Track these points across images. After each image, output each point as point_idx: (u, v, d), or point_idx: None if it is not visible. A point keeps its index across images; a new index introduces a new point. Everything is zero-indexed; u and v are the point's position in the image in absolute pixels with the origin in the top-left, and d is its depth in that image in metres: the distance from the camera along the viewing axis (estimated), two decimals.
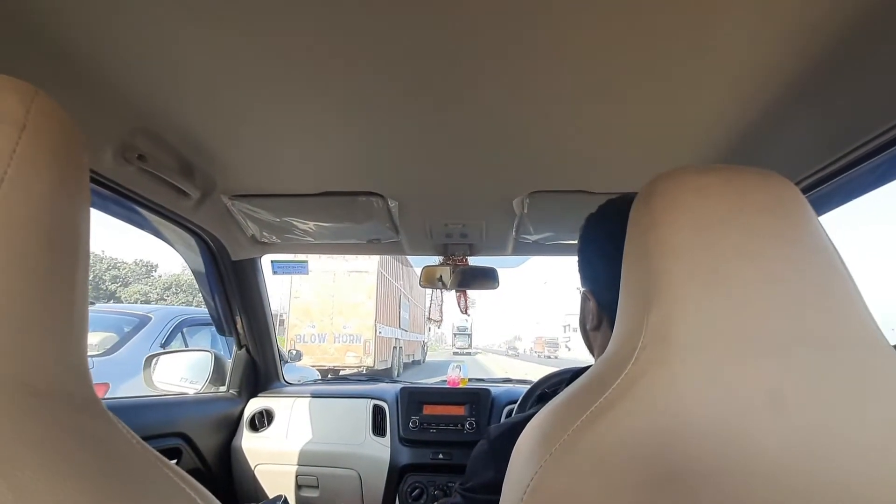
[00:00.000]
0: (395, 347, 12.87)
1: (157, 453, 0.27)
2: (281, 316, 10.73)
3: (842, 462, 0.29)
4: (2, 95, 0.25)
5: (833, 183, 0.84)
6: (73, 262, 0.27)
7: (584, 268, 0.62)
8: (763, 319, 0.32)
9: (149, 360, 1.44)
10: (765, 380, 0.30)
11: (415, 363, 17.37)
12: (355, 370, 9.85)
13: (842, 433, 0.29)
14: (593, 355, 0.62)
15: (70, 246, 0.26)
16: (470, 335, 32.26)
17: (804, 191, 0.86)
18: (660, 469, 0.29)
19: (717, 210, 0.35)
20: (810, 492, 0.28)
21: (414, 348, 17.37)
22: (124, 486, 0.23)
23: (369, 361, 10.18)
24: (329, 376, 6.98)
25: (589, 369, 0.40)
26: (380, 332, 11.11)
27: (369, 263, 11.01)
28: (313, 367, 7.74)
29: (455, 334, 33.42)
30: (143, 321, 3.72)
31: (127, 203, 0.99)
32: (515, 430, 0.44)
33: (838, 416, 0.30)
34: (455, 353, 28.46)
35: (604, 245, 0.58)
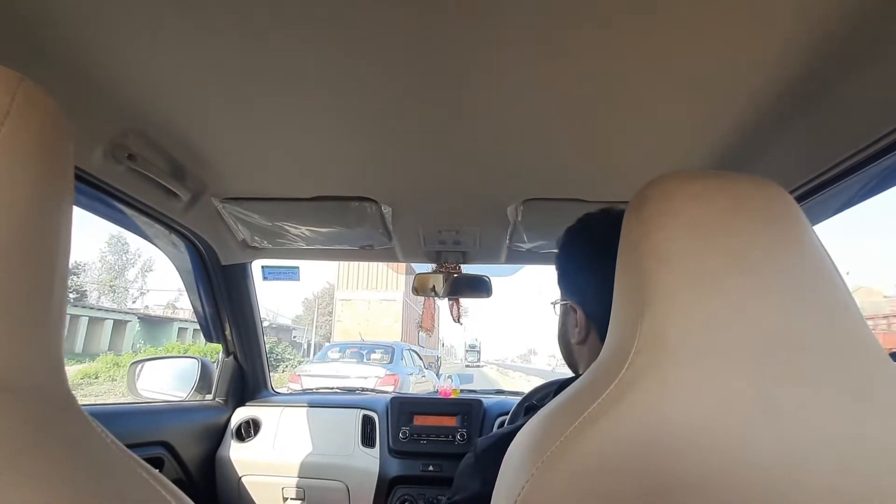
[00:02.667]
0: None
1: (136, 456, 0.26)
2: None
3: (836, 469, 0.28)
4: None
5: (826, 192, 0.83)
6: (53, 257, 0.26)
7: (567, 281, 0.62)
8: (757, 325, 0.31)
9: (133, 366, 1.40)
10: (759, 386, 0.30)
11: None
12: None
13: (836, 440, 0.29)
14: (577, 372, 0.60)
15: (50, 240, 0.25)
16: (479, 351, 36.20)
17: (798, 199, 0.84)
18: (653, 477, 0.29)
19: (711, 216, 0.34)
20: (804, 499, 0.28)
21: (429, 362, 18.42)
22: (98, 489, 0.22)
23: None
24: None
25: (581, 376, 0.39)
26: None
27: (397, 293, 13.78)
28: None
29: (466, 351, 37.16)
30: (392, 349, 7.71)
31: (114, 203, 0.98)
32: (503, 442, 0.44)
33: (832, 422, 0.29)
34: (467, 367, 30.77)
35: (588, 254, 0.58)
